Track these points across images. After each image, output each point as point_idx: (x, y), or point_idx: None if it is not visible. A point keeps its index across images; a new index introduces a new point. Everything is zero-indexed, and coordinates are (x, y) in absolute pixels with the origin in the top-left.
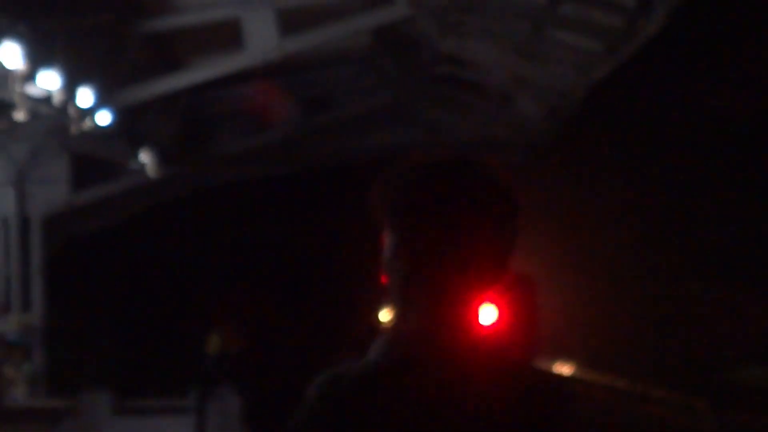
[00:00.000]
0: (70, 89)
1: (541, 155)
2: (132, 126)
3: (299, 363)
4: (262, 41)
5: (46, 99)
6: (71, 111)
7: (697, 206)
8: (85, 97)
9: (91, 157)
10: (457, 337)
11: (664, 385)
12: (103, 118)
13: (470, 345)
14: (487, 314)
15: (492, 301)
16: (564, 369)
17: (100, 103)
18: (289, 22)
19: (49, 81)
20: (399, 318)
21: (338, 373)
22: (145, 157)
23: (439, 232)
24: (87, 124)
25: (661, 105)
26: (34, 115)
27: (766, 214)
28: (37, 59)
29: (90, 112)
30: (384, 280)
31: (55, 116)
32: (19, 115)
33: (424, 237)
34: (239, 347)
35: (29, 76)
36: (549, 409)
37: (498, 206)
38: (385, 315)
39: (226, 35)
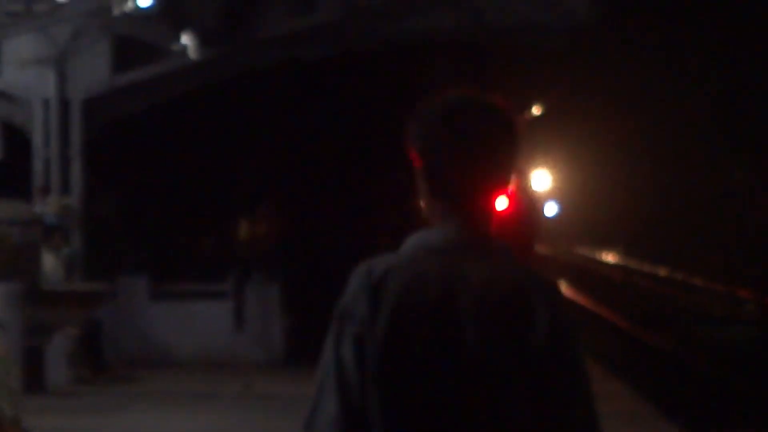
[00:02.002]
0: None
1: (583, 39)
2: (174, 7)
3: (335, 251)
4: None
5: None
6: None
7: (746, 92)
8: None
9: (133, 39)
10: (469, 236)
11: (707, 274)
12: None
13: (480, 243)
14: (501, 203)
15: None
16: (607, 257)
17: None
18: None
19: None
20: (427, 223)
21: (373, 262)
22: (186, 38)
23: (455, 158)
24: (128, 5)
25: None
26: None
27: None
28: None
29: None
30: (418, 191)
31: None
32: None
33: (443, 161)
34: (268, 233)
35: None
36: (548, 303)
37: (501, 134)
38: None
39: None
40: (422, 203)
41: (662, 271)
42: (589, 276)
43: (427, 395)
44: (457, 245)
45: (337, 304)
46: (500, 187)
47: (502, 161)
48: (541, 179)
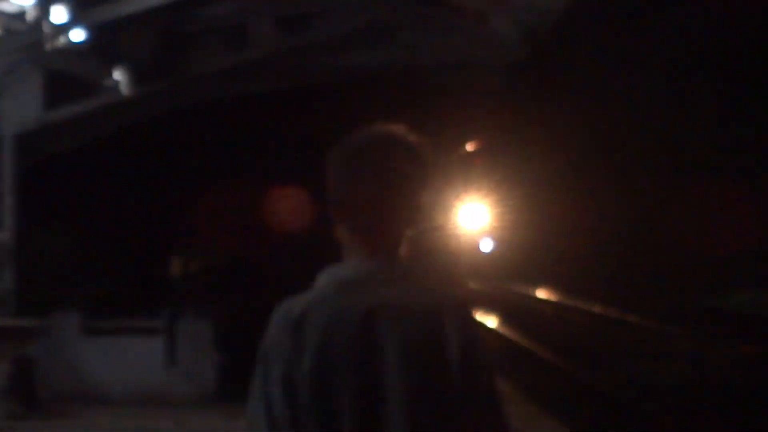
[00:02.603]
0: (44, 5)
1: (517, 76)
2: (107, 43)
3: (268, 288)
4: None
5: (20, 15)
6: (45, 27)
7: (676, 125)
8: (59, 13)
9: (66, 75)
10: (381, 266)
11: (642, 311)
12: (78, 34)
13: (393, 271)
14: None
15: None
16: (542, 294)
17: (74, 20)
18: None
19: None
20: (343, 255)
21: (291, 301)
22: (119, 74)
23: (364, 190)
24: (61, 40)
25: (642, 24)
26: (7, 31)
27: (744, 133)
28: None
29: (64, 28)
30: (334, 226)
31: (29, 33)
32: None
33: (354, 194)
34: (201, 269)
35: None
36: (457, 321)
37: (414, 170)
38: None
39: None
40: (338, 237)
41: (596, 308)
42: (523, 313)
43: (358, 421)
44: (370, 276)
45: (261, 346)
46: (412, 219)
47: (411, 195)
48: (477, 216)
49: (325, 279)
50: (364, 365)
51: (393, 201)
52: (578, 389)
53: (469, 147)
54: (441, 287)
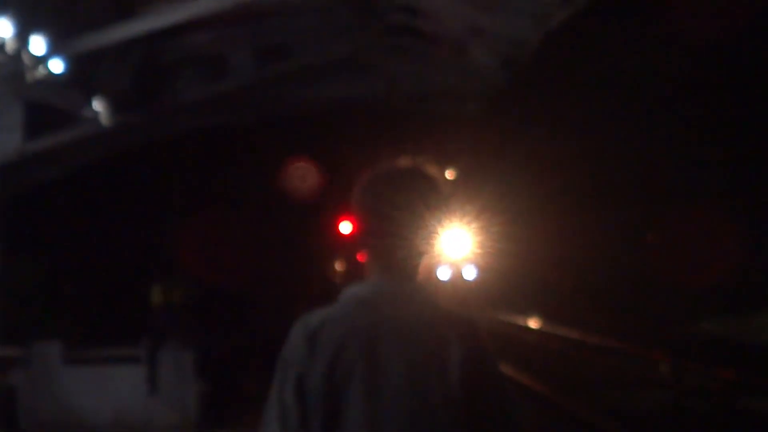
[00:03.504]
0: (23, 37)
1: (495, 104)
2: (86, 74)
3: (250, 316)
4: None
5: None
6: (24, 58)
7: (653, 154)
8: (38, 44)
9: (45, 106)
10: (395, 287)
11: (623, 337)
12: (57, 65)
13: (404, 292)
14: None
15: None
16: (524, 322)
17: (53, 51)
18: None
19: (1, 28)
20: (364, 275)
21: (311, 314)
22: (99, 105)
23: (386, 218)
24: (40, 71)
25: (615, 53)
26: None
27: (722, 166)
28: None
29: (43, 59)
30: (359, 251)
31: (8, 64)
32: None
33: (376, 221)
34: (182, 298)
35: None
36: (463, 339)
37: (430, 200)
38: (338, 266)
39: None
40: (364, 259)
41: (577, 335)
42: (505, 340)
43: (360, 424)
44: (384, 296)
45: (281, 354)
46: (429, 246)
47: (431, 223)
48: (459, 243)
49: (347, 295)
50: (368, 376)
51: (415, 228)
52: (558, 416)
53: (449, 174)
54: (448, 307)
